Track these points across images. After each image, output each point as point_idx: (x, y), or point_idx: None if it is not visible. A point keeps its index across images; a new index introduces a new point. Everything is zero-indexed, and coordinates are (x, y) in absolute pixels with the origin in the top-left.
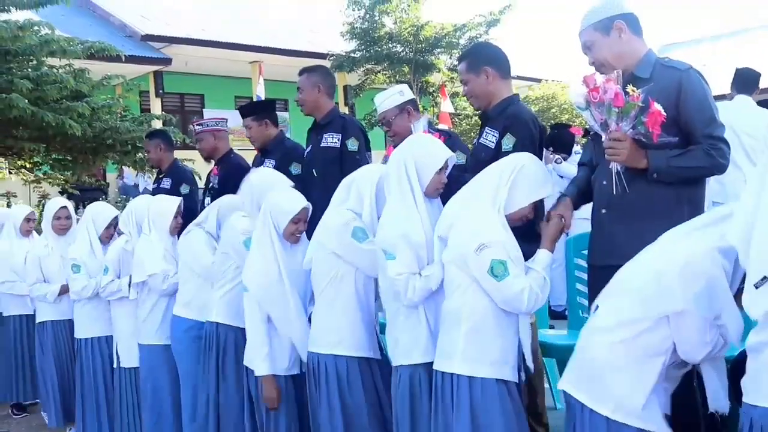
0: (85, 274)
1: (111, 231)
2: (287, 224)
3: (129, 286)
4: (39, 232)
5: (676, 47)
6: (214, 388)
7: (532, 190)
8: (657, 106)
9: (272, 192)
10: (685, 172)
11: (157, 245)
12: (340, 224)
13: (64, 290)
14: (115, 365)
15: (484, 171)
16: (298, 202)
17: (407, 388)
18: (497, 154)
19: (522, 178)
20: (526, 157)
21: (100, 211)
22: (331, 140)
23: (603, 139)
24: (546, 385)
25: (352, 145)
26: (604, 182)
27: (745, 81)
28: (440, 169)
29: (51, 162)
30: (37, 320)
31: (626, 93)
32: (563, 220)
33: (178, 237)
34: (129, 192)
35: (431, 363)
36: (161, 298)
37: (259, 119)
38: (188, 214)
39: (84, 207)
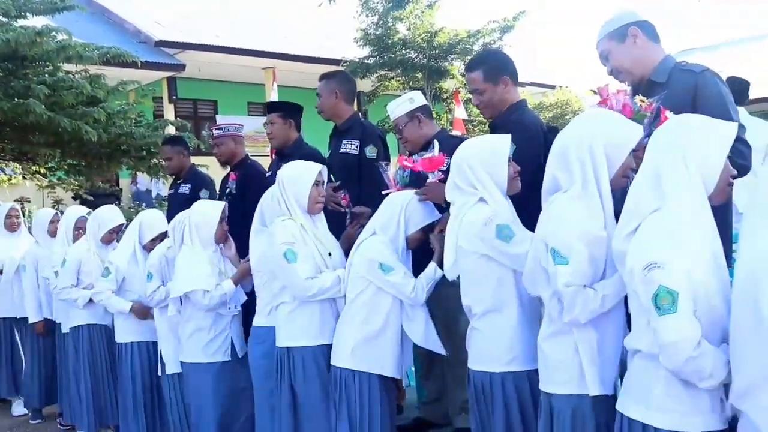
0: (112, 280)
1: (155, 243)
2: (416, 231)
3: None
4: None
5: (692, 52)
6: (290, 413)
7: (718, 140)
8: (668, 114)
9: (408, 194)
10: None
11: (201, 257)
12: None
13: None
14: (159, 372)
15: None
16: (434, 212)
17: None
18: None
19: (701, 133)
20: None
21: (147, 222)
22: (350, 147)
23: None
24: None
25: (371, 152)
26: None
27: (735, 92)
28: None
29: (66, 167)
30: (71, 324)
31: (636, 103)
32: None
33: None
34: (142, 198)
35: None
36: (206, 314)
37: (285, 118)
38: None
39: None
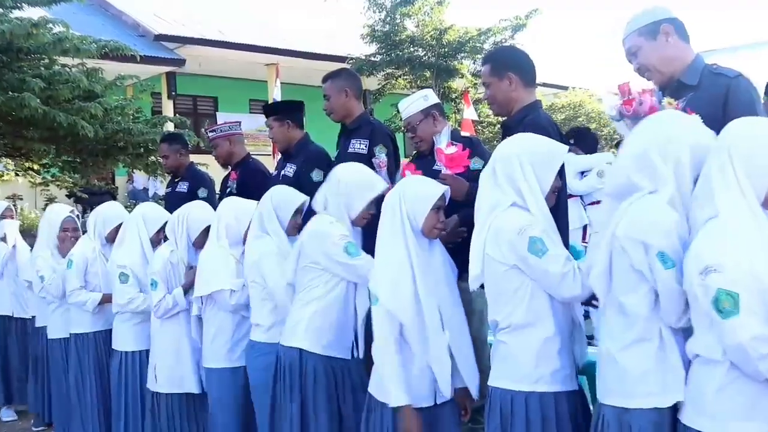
0: (133, 284)
1: (161, 235)
2: (428, 214)
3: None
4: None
5: (713, 54)
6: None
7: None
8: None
9: (405, 181)
10: None
11: (227, 256)
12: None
13: (107, 299)
14: (149, 386)
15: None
16: (437, 186)
17: None
18: None
19: (746, 134)
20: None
21: (150, 214)
22: (359, 146)
23: None
24: None
25: (380, 152)
26: None
27: None
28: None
29: (60, 164)
30: (73, 330)
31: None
32: None
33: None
34: (138, 196)
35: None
36: (232, 316)
37: (281, 120)
38: None
39: (92, 210)
